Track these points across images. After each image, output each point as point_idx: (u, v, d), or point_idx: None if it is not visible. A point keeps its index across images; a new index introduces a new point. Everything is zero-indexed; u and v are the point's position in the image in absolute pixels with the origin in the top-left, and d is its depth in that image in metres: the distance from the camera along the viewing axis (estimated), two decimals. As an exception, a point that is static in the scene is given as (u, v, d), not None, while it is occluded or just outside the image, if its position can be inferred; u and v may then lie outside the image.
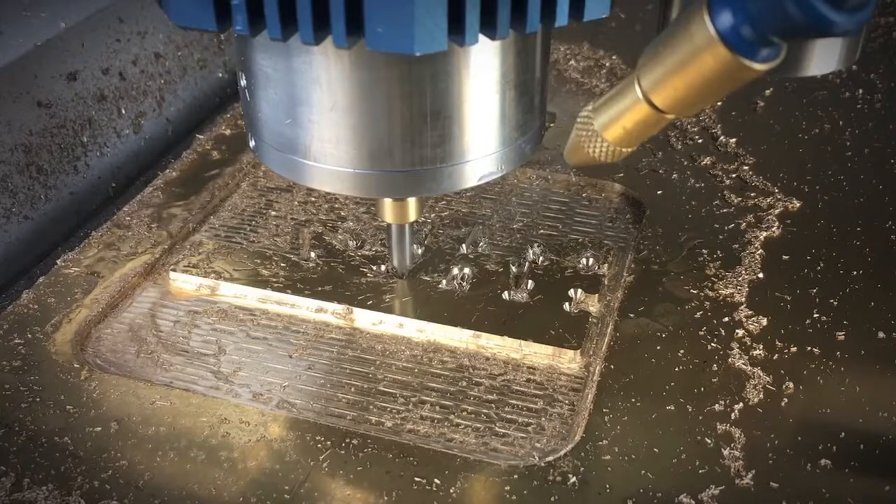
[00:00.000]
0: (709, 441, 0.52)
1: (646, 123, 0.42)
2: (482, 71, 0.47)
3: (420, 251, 0.67)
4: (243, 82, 0.50)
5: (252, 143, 0.52)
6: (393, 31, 0.39)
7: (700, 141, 0.80)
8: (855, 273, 0.64)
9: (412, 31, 0.39)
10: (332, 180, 0.49)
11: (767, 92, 0.87)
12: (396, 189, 0.50)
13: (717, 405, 0.54)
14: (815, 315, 0.61)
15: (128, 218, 0.71)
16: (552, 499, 0.49)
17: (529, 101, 0.51)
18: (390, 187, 0.50)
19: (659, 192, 0.73)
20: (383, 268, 0.65)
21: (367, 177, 0.49)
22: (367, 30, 0.39)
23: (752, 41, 0.36)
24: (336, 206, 0.72)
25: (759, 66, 0.37)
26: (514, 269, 0.65)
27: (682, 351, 0.58)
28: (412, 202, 0.58)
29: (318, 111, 0.47)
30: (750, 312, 0.61)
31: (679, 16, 0.39)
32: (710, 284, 0.63)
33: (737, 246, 0.67)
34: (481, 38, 0.41)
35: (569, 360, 0.59)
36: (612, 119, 0.44)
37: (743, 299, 0.62)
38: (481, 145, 0.49)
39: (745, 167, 0.75)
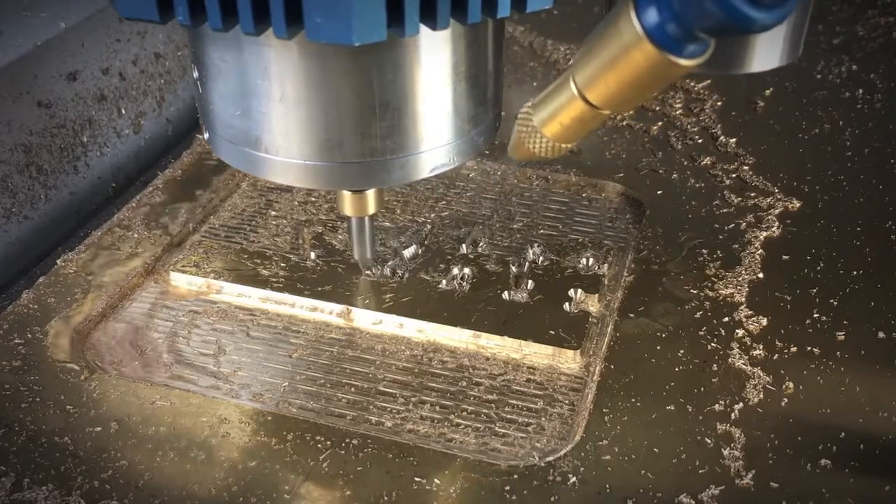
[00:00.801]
0: (709, 441, 0.52)
1: (582, 120, 0.43)
2: (431, 63, 0.47)
3: (420, 251, 0.67)
4: (196, 74, 0.50)
5: (206, 136, 0.52)
6: (332, 21, 0.39)
7: (700, 141, 0.80)
8: (855, 273, 0.64)
9: (350, 22, 0.39)
10: (284, 172, 0.49)
11: (767, 92, 0.87)
12: (348, 181, 0.50)
13: (717, 405, 0.54)
14: (815, 315, 0.61)
15: (128, 218, 0.71)
16: (552, 499, 0.49)
17: (482, 94, 0.51)
18: (342, 179, 0.49)
19: (659, 192, 0.73)
20: (386, 269, 0.65)
21: (318, 168, 0.49)
22: (306, 20, 0.39)
23: (677, 38, 0.37)
24: (336, 205, 0.72)
25: (685, 62, 0.37)
26: (514, 269, 0.65)
27: (682, 351, 0.58)
28: (371, 195, 0.58)
29: (267, 103, 0.47)
30: (750, 312, 0.61)
31: (608, 14, 0.39)
32: (710, 284, 0.63)
33: (737, 246, 0.67)
34: (428, 30, 0.42)
35: (569, 360, 0.59)
36: (550, 115, 0.44)
37: (743, 299, 0.62)
38: (432, 137, 0.49)
39: (745, 167, 0.76)
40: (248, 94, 0.47)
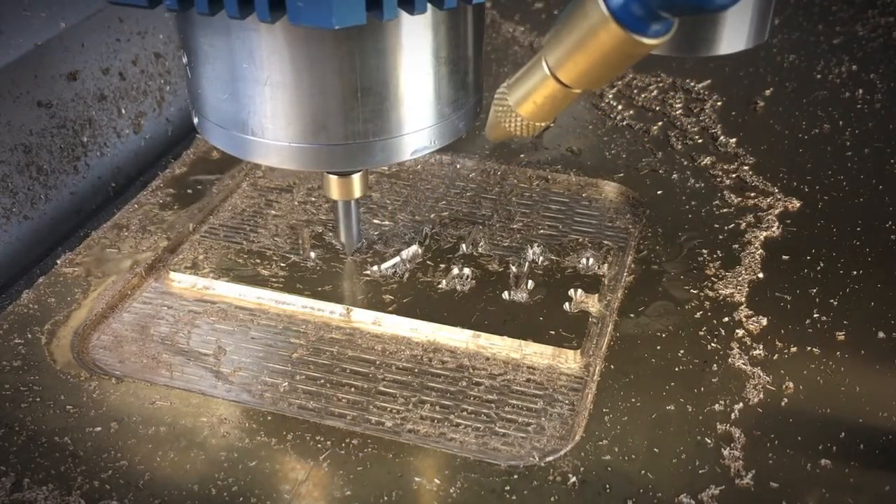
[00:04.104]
0: (709, 441, 0.52)
1: (554, 98, 0.45)
2: (411, 48, 0.48)
3: (420, 251, 0.67)
4: (185, 59, 0.52)
5: (195, 121, 0.54)
6: (312, 5, 0.40)
7: (700, 141, 0.80)
8: (855, 273, 0.64)
9: (330, 5, 0.40)
10: (270, 154, 0.51)
11: (767, 92, 0.87)
12: (332, 162, 0.52)
13: (717, 405, 0.54)
14: (815, 315, 0.61)
15: (128, 218, 0.71)
16: (552, 499, 0.49)
17: (462, 79, 0.52)
18: (326, 160, 0.51)
19: (659, 192, 0.73)
20: (383, 267, 0.65)
21: (303, 150, 0.50)
22: (288, 4, 0.41)
23: (641, 17, 0.39)
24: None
25: (649, 42, 0.39)
26: (514, 269, 0.65)
27: (682, 351, 0.58)
28: (356, 179, 0.60)
29: (253, 86, 0.49)
30: (750, 312, 0.61)
31: None
32: (710, 284, 0.63)
33: (737, 246, 0.67)
34: (408, 16, 0.44)
35: (569, 360, 0.59)
36: (524, 95, 0.46)
37: (743, 299, 0.62)
38: (413, 120, 0.51)
39: (745, 167, 0.76)
40: (234, 77, 0.49)
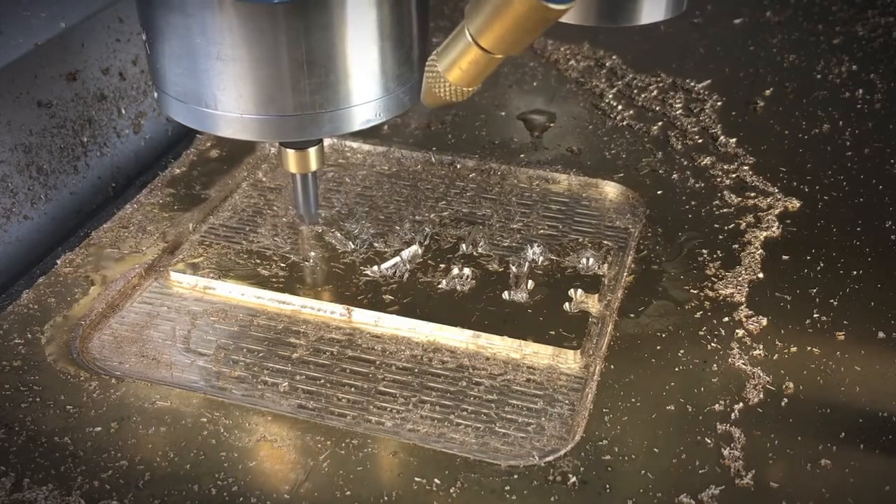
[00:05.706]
0: (709, 441, 0.52)
1: (478, 64, 0.47)
2: (355, 23, 0.51)
3: (420, 251, 0.67)
4: (144, 37, 0.54)
5: (156, 96, 0.57)
6: None
7: (700, 141, 0.80)
8: (855, 273, 0.64)
9: None
10: (225, 125, 0.54)
11: (767, 92, 0.87)
12: (282, 133, 0.54)
13: (717, 405, 0.54)
14: (815, 315, 0.61)
15: (128, 218, 0.71)
16: (552, 499, 0.49)
17: (406, 55, 0.55)
18: (276, 131, 0.54)
19: (659, 192, 0.73)
20: (383, 267, 0.65)
21: (255, 121, 0.53)
22: None
23: None
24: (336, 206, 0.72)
25: (558, 7, 0.42)
26: (514, 269, 0.65)
27: (682, 351, 0.58)
28: (312, 153, 0.62)
29: (206, 61, 0.51)
30: (750, 312, 0.61)
31: None
32: (710, 284, 0.63)
33: (737, 246, 0.67)
34: None
35: (569, 360, 0.59)
36: (451, 62, 0.49)
37: (743, 299, 0.62)
38: (359, 93, 0.54)
39: (745, 167, 0.76)
40: (189, 53, 0.52)
